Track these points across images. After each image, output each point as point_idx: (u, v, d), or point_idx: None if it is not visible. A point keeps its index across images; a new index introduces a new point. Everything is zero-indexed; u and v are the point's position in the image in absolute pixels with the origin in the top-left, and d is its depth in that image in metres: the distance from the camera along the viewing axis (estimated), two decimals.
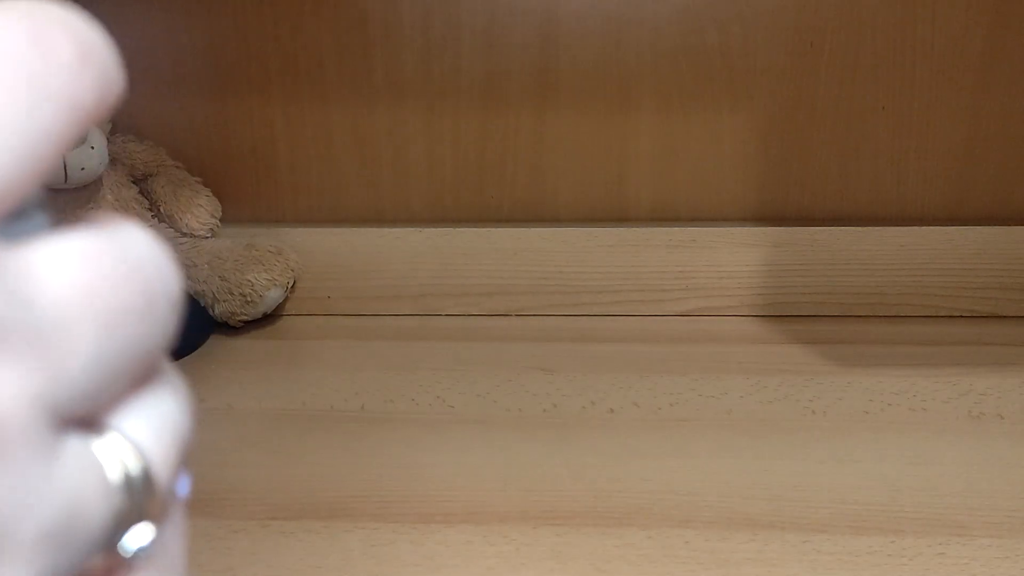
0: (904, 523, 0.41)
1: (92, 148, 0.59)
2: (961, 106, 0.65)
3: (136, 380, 0.16)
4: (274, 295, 0.64)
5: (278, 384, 0.56)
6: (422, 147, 0.68)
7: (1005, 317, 0.65)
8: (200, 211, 0.66)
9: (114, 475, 0.14)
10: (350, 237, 0.67)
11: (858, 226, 0.64)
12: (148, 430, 0.15)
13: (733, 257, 0.65)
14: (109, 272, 0.14)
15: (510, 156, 0.68)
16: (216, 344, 0.63)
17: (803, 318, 0.65)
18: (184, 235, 0.66)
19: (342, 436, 0.50)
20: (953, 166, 0.66)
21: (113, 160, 0.64)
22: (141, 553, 0.15)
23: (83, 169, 0.59)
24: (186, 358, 0.61)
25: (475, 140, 0.67)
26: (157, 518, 0.15)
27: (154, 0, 0.66)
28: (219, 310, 0.64)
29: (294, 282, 0.67)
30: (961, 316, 0.65)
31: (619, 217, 0.68)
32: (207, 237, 0.66)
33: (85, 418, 0.14)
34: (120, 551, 0.15)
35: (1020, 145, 0.65)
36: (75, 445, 0.14)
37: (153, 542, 0.15)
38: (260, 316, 0.65)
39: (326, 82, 0.67)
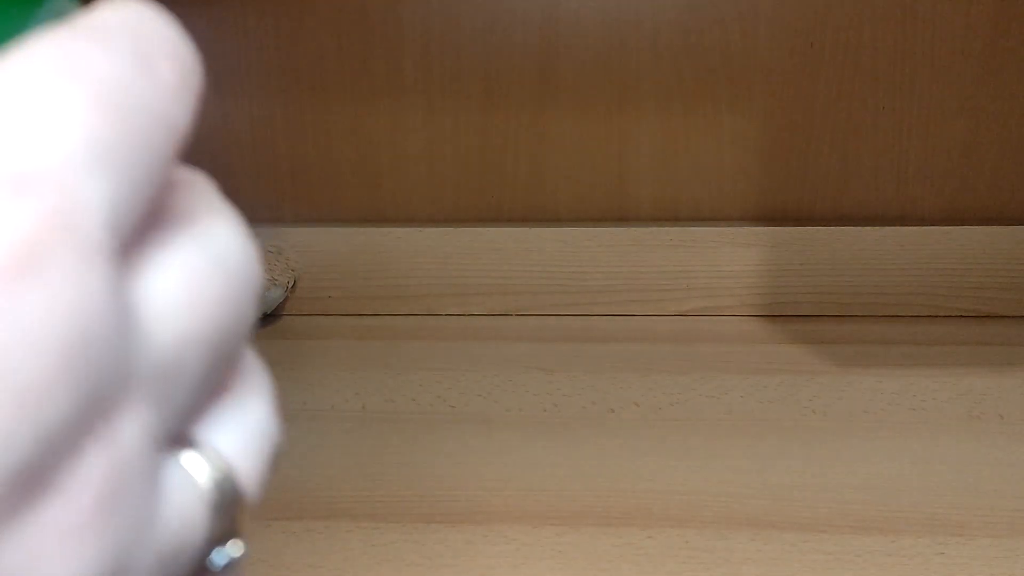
0: (904, 523, 0.41)
1: None
2: (961, 106, 0.65)
3: (224, 385, 0.15)
4: (274, 295, 0.64)
5: (278, 384, 0.56)
6: (422, 147, 0.68)
7: (1005, 317, 0.65)
8: None
9: (207, 490, 0.14)
10: (350, 237, 0.67)
11: (858, 226, 0.64)
12: (236, 440, 0.15)
13: (733, 257, 0.65)
14: (214, 293, 0.14)
15: (510, 156, 0.68)
16: None
17: (803, 318, 0.65)
18: None
19: (342, 436, 0.50)
20: (953, 166, 0.66)
21: None
22: (231, 567, 0.14)
23: None
24: None
25: (475, 140, 0.67)
26: (243, 530, 0.15)
27: (154, 1, 0.66)
28: None
29: (294, 282, 0.67)
30: (961, 316, 0.65)
31: (619, 217, 0.68)
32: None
33: (178, 434, 0.14)
34: (210, 566, 0.14)
35: (1020, 145, 0.65)
36: (172, 465, 0.13)
37: (243, 555, 0.15)
38: (260, 316, 0.65)
39: (326, 82, 0.67)
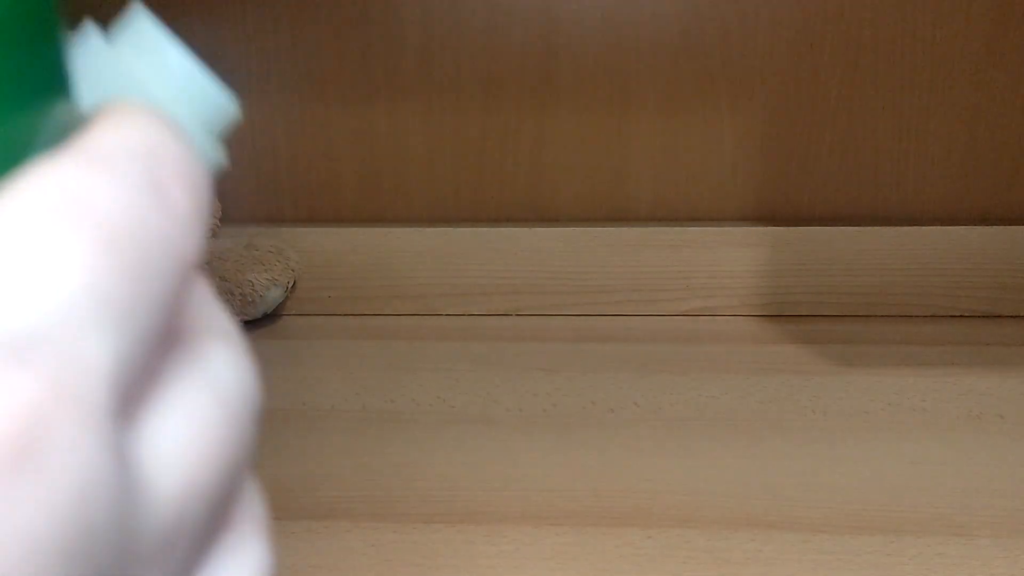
0: (904, 523, 0.41)
1: None
2: (961, 106, 0.64)
3: (225, 521, 0.14)
4: (274, 295, 0.64)
5: (278, 384, 0.56)
6: (422, 147, 0.68)
7: (1005, 317, 0.65)
8: None
9: None
10: (350, 237, 0.67)
11: (858, 226, 0.64)
12: None
13: (733, 257, 0.65)
14: (218, 434, 0.13)
15: (510, 156, 0.68)
16: None
17: (803, 318, 0.65)
18: None
19: (343, 436, 0.50)
20: (953, 166, 0.66)
21: None
22: None
23: None
24: None
25: (475, 140, 0.67)
26: None
27: (154, 1, 0.66)
28: None
29: (294, 282, 0.67)
30: (961, 316, 0.65)
31: (619, 217, 0.68)
32: (207, 237, 0.66)
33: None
34: None
35: (1020, 145, 0.65)
36: None
37: None
38: (260, 316, 0.65)
39: (326, 82, 0.67)
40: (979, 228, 0.64)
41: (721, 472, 0.45)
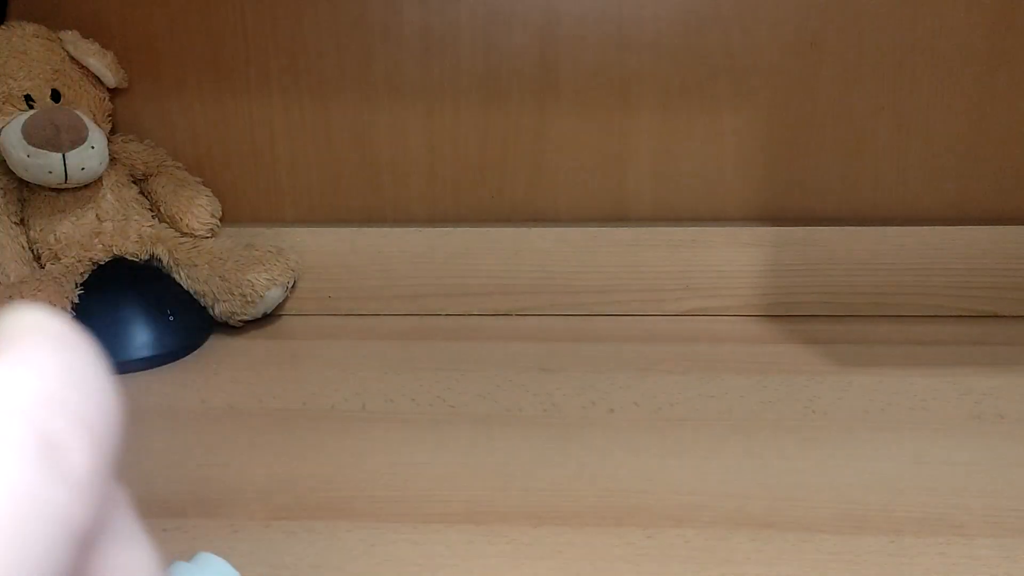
0: (904, 523, 0.41)
1: (92, 148, 0.59)
2: (962, 105, 0.65)
3: None
4: (274, 295, 0.64)
5: (278, 384, 0.56)
6: (422, 147, 0.68)
7: (1006, 316, 0.65)
8: (200, 211, 0.66)
9: None
10: (350, 237, 0.67)
11: (859, 226, 0.64)
12: None
13: (733, 257, 0.65)
14: None
15: (510, 156, 0.68)
16: (216, 344, 0.63)
17: (803, 318, 0.65)
18: (184, 235, 0.66)
19: (343, 436, 0.50)
20: (954, 165, 0.66)
21: (113, 160, 0.64)
22: None
23: (83, 169, 0.59)
24: (186, 358, 0.61)
25: (475, 140, 0.67)
26: None
27: (154, 1, 0.66)
28: (219, 310, 0.64)
29: (294, 282, 0.67)
30: (962, 316, 0.65)
31: (619, 217, 0.68)
32: (207, 237, 0.66)
33: None
34: None
35: (1021, 144, 0.65)
36: None
37: None
38: (260, 316, 0.65)
39: (326, 82, 0.67)
40: (980, 228, 0.64)
41: (721, 472, 0.45)
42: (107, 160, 0.61)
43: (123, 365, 0.59)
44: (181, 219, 0.65)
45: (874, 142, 0.66)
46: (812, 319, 0.65)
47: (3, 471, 0.10)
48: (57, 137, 0.57)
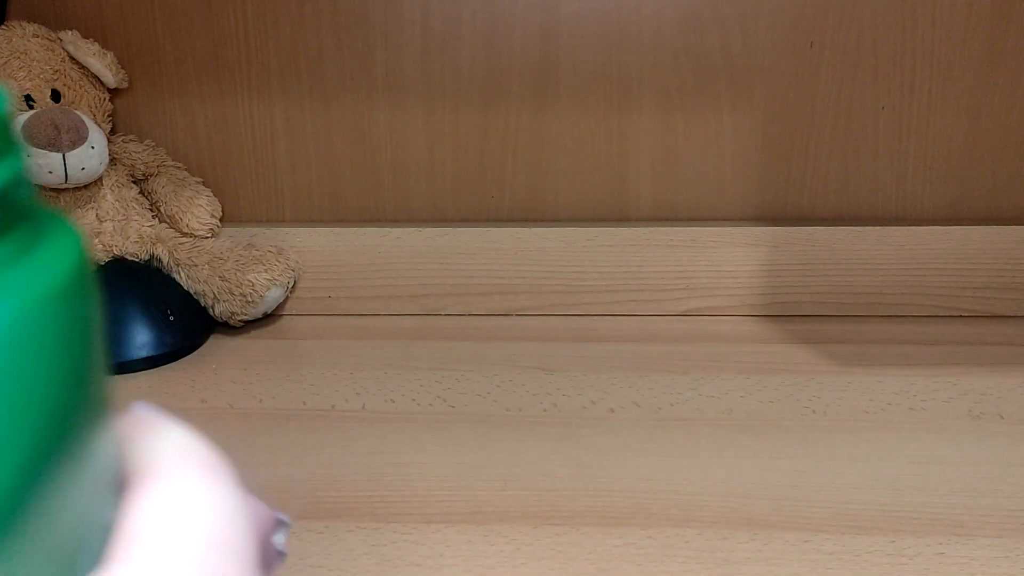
0: (904, 523, 0.41)
1: (92, 148, 0.59)
2: (961, 105, 0.65)
3: None
4: (274, 295, 0.64)
5: (278, 384, 0.56)
6: (422, 147, 0.68)
7: (1005, 317, 0.65)
8: (200, 211, 0.66)
9: None
10: (350, 237, 0.67)
11: (858, 226, 0.64)
12: None
13: (733, 257, 0.65)
14: None
15: (510, 156, 0.68)
16: (216, 344, 0.63)
17: (803, 318, 0.65)
18: (184, 235, 0.66)
19: (343, 436, 0.50)
20: (953, 165, 0.66)
21: (113, 160, 0.64)
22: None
23: (83, 169, 0.59)
24: (186, 358, 0.61)
25: (475, 140, 0.67)
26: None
27: (155, 2, 0.66)
28: (219, 310, 0.64)
29: (294, 282, 0.67)
30: (961, 316, 0.65)
31: (619, 217, 0.68)
32: (207, 237, 0.66)
33: None
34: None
35: (1020, 145, 0.65)
36: None
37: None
38: (260, 316, 0.65)
39: (326, 82, 0.67)
40: (979, 228, 0.64)
41: (721, 472, 0.45)
42: (107, 160, 0.61)
43: (123, 365, 0.59)
44: (181, 219, 0.65)
45: (873, 143, 0.66)
46: (812, 319, 0.65)
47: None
48: (57, 137, 0.57)
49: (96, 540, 0.13)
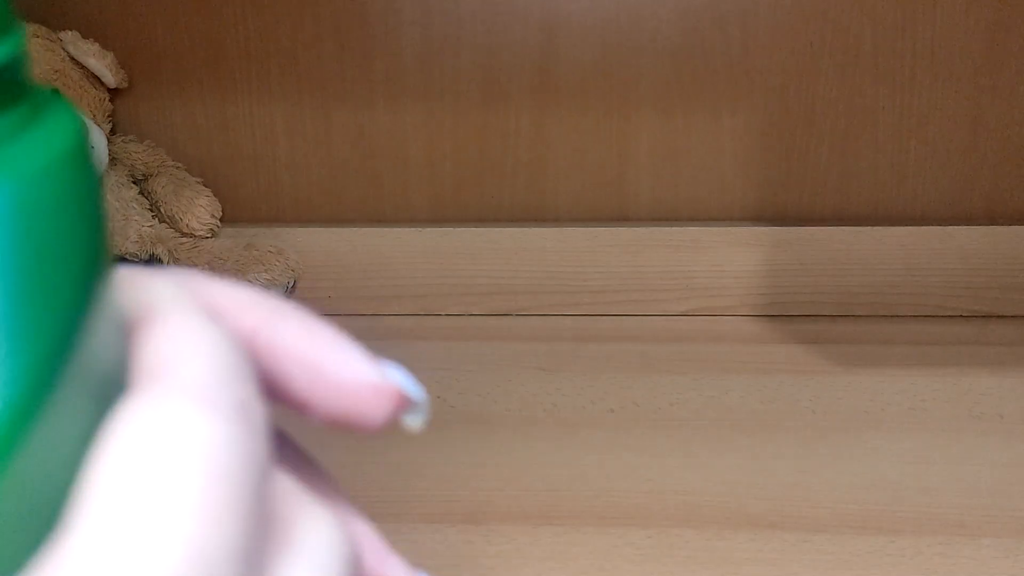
0: (904, 523, 0.41)
1: (92, 148, 0.59)
2: (962, 105, 0.64)
3: None
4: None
5: None
6: (422, 147, 0.68)
7: (1005, 317, 0.64)
8: (200, 211, 0.66)
9: None
10: (350, 237, 0.67)
11: (858, 226, 0.64)
12: None
13: (733, 257, 0.65)
14: None
15: (510, 156, 0.68)
16: None
17: (803, 318, 0.65)
18: (184, 235, 0.66)
19: (343, 436, 0.50)
20: (953, 165, 0.66)
21: (113, 160, 0.64)
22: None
23: None
24: None
25: (475, 140, 0.67)
26: None
27: (156, 2, 0.66)
28: None
29: (294, 282, 0.67)
30: (961, 316, 0.65)
31: (619, 217, 0.68)
32: (207, 237, 0.66)
33: None
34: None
35: (1020, 144, 0.65)
36: None
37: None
38: None
39: (326, 82, 0.67)
40: (980, 228, 0.64)
41: (721, 472, 0.45)
42: (107, 160, 0.61)
43: None
44: (181, 219, 0.65)
45: (873, 142, 0.65)
46: (812, 319, 0.65)
47: (221, 438, 0.13)
48: None
49: (120, 374, 0.14)
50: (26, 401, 0.12)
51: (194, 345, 0.14)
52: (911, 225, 0.64)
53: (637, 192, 0.68)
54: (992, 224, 0.64)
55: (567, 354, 0.60)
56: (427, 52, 0.66)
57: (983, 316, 0.65)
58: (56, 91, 0.14)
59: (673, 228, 0.65)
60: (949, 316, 0.65)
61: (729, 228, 0.65)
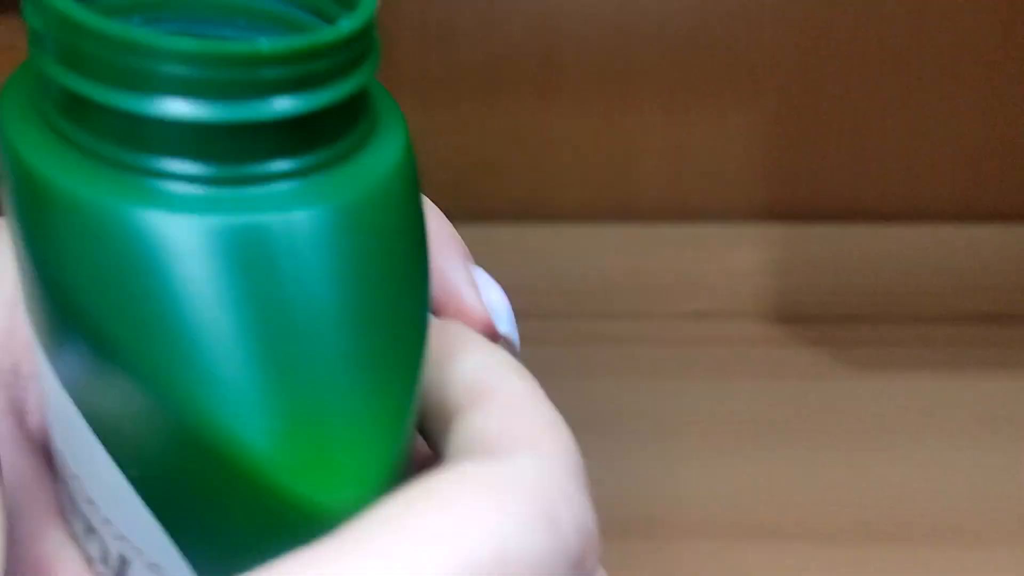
0: (915, 529, 0.41)
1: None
2: (974, 100, 0.64)
3: None
4: None
5: None
6: (421, 145, 0.67)
7: (1022, 318, 0.64)
8: None
9: None
10: None
11: (869, 223, 0.64)
12: None
13: (742, 257, 0.65)
14: None
15: (511, 154, 0.67)
16: None
17: (813, 319, 0.65)
18: None
19: None
20: (967, 161, 0.65)
21: None
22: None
23: None
24: None
25: (475, 138, 0.67)
26: None
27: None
28: None
29: None
30: (978, 317, 0.64)
31: (624, 216, 0.68)
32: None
33: None
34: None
35: None
36: None
37: None
38: None
39: None
40: (994, 226, 0.63)
41: (727, 478, 0.45)
42: None
43: None
44: None
45: (884, 138, 0.65)
46: (822, 320, 0.64)
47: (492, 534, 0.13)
48: None
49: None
50: (407, 433, 0.13)
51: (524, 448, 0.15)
52: (924, 223, 0.64)
53: (642, 190, 0.67)
54: (1008, 222, 0.64)
55: (568, 356, 0.59)
56: (425, 47, 0.66)
57: (999, 317, 0.64)
58: (382, 89, 0.15)
59: (679, 227, 0.65)
60: (966, 317, 0.64)
61: (738, 227, 0.65)
